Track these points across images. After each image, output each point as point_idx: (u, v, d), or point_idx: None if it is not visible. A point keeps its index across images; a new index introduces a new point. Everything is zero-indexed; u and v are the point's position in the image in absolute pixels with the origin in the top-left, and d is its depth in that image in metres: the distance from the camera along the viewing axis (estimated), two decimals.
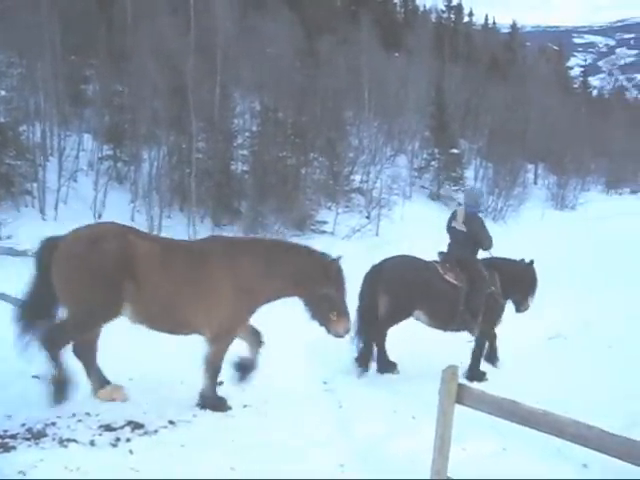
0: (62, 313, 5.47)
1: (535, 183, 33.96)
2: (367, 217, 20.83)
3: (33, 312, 5.39)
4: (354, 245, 18.61)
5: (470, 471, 5.18)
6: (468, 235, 7.75)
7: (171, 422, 5.30)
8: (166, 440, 5.00)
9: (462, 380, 4.36)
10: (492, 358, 8.09)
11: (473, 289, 7.60)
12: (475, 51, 45.12)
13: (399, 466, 5.29)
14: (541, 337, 9.45)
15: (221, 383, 6.51)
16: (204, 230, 17.02)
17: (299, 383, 6.91)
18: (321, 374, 7.33)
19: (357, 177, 22.25)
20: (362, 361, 7.36)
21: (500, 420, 4.24)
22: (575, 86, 61.38)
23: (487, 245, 7.87)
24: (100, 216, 16.18)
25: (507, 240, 22.80)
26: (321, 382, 7.20)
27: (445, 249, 8.05)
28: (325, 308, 5.95)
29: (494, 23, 59.39)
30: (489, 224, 25.32)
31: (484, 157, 30.46)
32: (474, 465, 5.46)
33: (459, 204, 8.04)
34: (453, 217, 7.97)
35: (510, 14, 67.64)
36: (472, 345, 7.80)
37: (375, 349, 7.47)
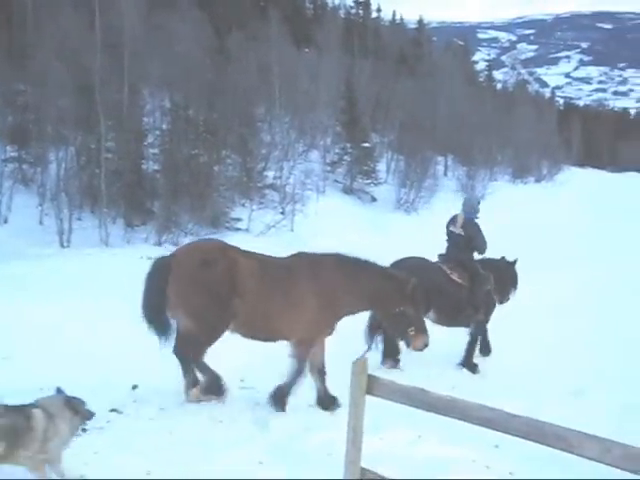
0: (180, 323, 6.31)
1: (445, 174, 34.74)
2: (282, 213, 20.87)
3: (151, 316, 6.18)
4: (269, 241, 18.61)
5: (387, 459, 5.36)
6: (465, 238, 8.76)
7: (83, 430, 5.18)
8: (79, 448, 4.90)
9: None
10: (485, 349, 9.20)
11: (475, 287, 8.60)
12: (384, 46, 45.79)
13: (317, 459, 5.43)
14: None
15: (135, 387, 6.52)
16: (116, 231, 16.71)
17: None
18: (238, 372, 7.36)
19: (270, 173, 22.27)
20: (390, 360, 8.31)
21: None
22: (480, 80, 63.10)
23: (482, 249, 8.91)
24: (6, 221, 15.65)
25: (420, 231, 23.47)
26: (238, 380, 7.25)
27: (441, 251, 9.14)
28: (403, 324, 6.63)
29: (401, 19, 60.51)
30: (401, 216, 25.88)
31: (395, 150, 30.98)
32: (391, 454, 5.67)
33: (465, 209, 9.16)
34: (452, 222, 8.99)
35: (416, 10, 68.92)
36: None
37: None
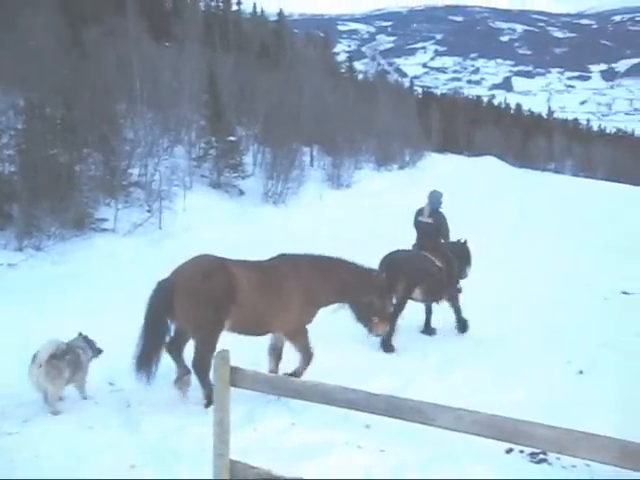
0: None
1: (312, 165, 35.22)
2: (148, 211, 20.50)
3: (153, 344, 6.67)
4: (137, 240, 18.38)
5: (261, 449, 5.54)
6: (433, 226, 10.35)
7: None
8: None
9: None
10: (429, 330, 10.72)
11: (450, 268, 10.29)
12: (245, 39, 45.69)
13: (191, 456, 5.48)
14: None
15: None
16: None
17: (85, 387, 6.83)
18: (107, 375, 7.29)
19: (135, 171, 21.79)
20: (388, 345, 9.35)
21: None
22: (342, 71, 64.28)
23: (446, 235, 10.52)
24: None
25: (289, 222, 23.83)
26: (107, 383, 7.18)
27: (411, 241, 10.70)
28: (368, 312, 7.76)
29: (262, 11, 60.57)
30: (269, 208, 26.16)
31: (261, 142, 31.09)
32: (265, 443, 5.84)
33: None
34: (419, 213, 10.62)
35: (277, 3, 69.19)
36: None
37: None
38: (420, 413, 3.82)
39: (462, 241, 11.12)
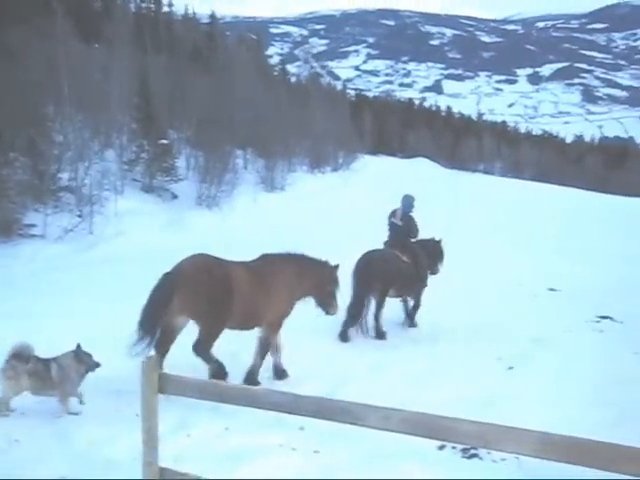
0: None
1: (245, 168, 35.11)
2: (79, 216, 20.10)
3: (149, 326, 7.16)
4: (68, 246, 18.02)
5: (195, 455, 5.53)
6: (404, 228, 11.11)
7: None
8: None
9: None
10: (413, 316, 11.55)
11: (418, 265, 11.06)
12: (177, 41, 45.12)
13: (122, 466, 5.38)
14: None
15: None
16: None
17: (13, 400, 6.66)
18: None
19: (65, 175, 21.29)
20: (345, 336, 10.25)
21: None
22: (275, 74, 64.26)
23: (416, 235, 11.32)
24: None
25: (223, 225, 23.72)
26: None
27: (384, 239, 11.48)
28: (330, 298, 8.63)
29: (194, 13, 60.00)
30: (203, 211, 25.98)
31: (194, 146, 30.84)
32: (198, 449, 5.82)
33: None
34: (392, 215, 11.35)
35: (209, 5, 68.51)
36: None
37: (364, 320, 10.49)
38: (349, 413, 3.86)
39: (435, 240, 11.97)
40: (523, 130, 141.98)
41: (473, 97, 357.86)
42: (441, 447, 6.01)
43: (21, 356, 6.43)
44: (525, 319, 11.78)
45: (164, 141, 27.20)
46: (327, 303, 8.71)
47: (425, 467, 5.63)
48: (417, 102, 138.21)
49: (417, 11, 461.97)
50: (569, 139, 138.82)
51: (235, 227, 24.10)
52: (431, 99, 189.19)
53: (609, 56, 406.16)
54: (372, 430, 3.88)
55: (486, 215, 31.69)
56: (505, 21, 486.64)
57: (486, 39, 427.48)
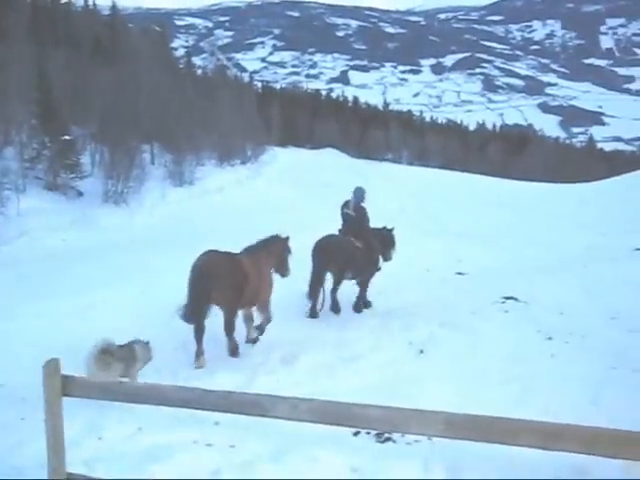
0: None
1: (153, 163, 34.48)
2: None
3: (197, 318, 8.66)
4: None
5: (107, 457, 5.44)
6: (356, 218, 11.89)
7: None
8: None
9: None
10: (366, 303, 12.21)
11: (370, 251, 11.88)
12: (77, 33, 43.78)
13: (30, 473, 5.16)
14: None
15: None
16: None
17: None
18: None
19: None
20: (314, 312, 11.35)
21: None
22: (181, 66, 63.30)
23: (367, 224, 12.05)
24: None
25: (131, 221, 23.32)
26: None
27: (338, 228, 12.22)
28: (285, 264, 10.21)
29: (94, 4, 58.27)
30: (110, 208, 25.49)
31: (99, 141, 30.09)
32: (111, 451, 5.73)
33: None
34: (345, 206, 12.14)
35: None
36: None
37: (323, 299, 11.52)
38: (257, 406, 3.90)
39: (388, 228, 12.74)
40: (428, 119, 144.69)
41: (379, 87, 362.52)
42: (356, 433, 6.13)
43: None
44: (434, 303, 12.07)
45: (67, 137, 26.44)
46: (284, 268, 10.20)
47: (341, 453, 5.73)
48: (324, 93, 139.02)
49: (322, 2, 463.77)
50: (472, 127, 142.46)
51: (144, 223, 23.70)
52: (338, 90, 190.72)
53: (507, 47, 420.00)
54: (287, 421, 3.95)
55: (393, 202, 32.16)
56: (408, 12, 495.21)
57: (390, 30, 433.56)
